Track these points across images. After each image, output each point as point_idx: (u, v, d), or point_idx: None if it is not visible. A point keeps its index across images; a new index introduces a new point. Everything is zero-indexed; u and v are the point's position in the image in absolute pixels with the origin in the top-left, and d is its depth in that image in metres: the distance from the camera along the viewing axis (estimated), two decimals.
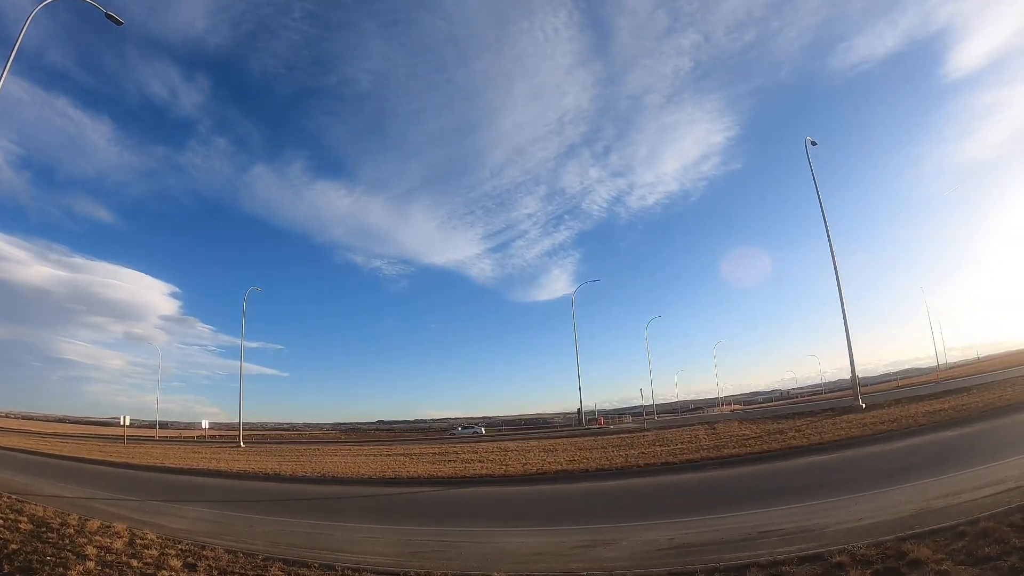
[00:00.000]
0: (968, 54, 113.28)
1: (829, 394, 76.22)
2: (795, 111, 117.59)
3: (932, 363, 78.21)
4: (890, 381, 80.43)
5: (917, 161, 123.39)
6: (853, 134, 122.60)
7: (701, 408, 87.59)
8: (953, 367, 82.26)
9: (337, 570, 6.31)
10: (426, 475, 17.36)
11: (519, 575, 5.96)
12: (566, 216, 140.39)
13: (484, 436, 54.27)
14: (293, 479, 18.78)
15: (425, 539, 8.52)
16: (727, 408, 77.25)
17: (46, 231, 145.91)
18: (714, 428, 27.17)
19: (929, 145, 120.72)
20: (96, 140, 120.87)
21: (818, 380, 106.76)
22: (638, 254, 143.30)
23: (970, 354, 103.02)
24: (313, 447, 41.27)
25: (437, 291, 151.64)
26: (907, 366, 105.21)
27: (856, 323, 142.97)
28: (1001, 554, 5.06)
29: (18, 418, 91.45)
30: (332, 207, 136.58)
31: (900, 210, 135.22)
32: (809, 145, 31.40)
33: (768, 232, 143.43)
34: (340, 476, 18.79)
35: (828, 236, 30.32)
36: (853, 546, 5.87)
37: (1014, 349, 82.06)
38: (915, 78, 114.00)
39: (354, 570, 6.30)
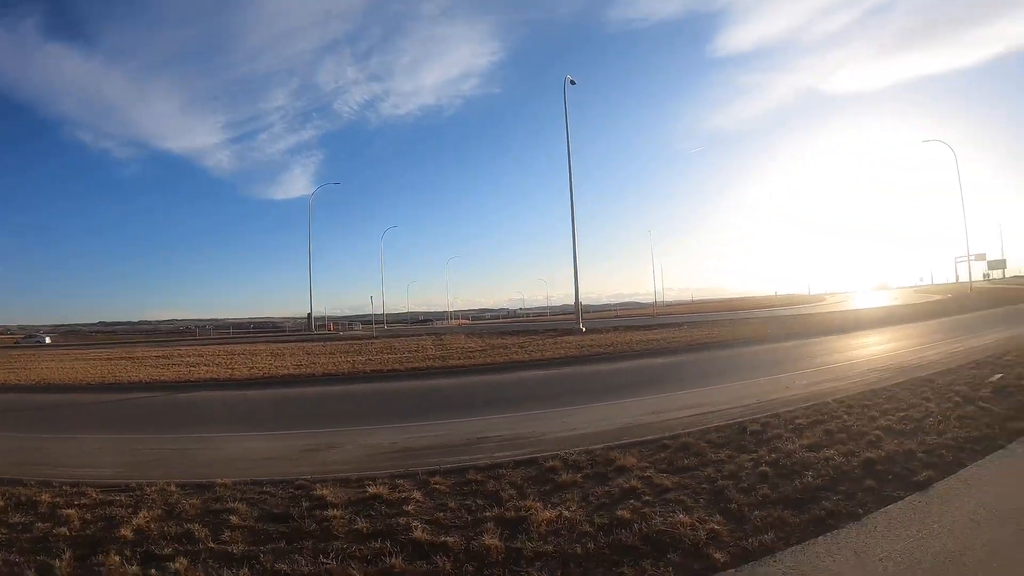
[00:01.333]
0: (738, 37, 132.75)
1: (554, 316, 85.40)
2: (565, 50, 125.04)
3: (651, 299, 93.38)
4: (611, 310, 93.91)
5: (670, 119, 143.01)
6: (616, 84, 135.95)
7: (431, 320, 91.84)
8: (670, 305, 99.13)
9: (55, 486, 5.73)
10: (149, 380, 16.41)
11: (245, 480, 5.84)
12: (315, 114, 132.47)
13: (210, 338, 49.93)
14: (2, 388, 16.36)
15: (148, 447, 8.21)
16: (456, 322, 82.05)
17: None
18: (441, 340, 28.32)
19: (684, 108, 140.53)
20: None
21: (545, 304, 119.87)
22: (384, 162, 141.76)
23: (686, 296, 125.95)
24: (27, 352, 36.88)
25: (170, 180, 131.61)
26: (628, 300, 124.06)
27: (586, 254, 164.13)
28: (699, 465, 5.57)
29: None
30: (65, 75, 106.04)
31: (646, 161, 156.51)
32: (568, 83, 33.42)
33: (516, 160, 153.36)
34: (57, 383, 16.79)
35: (569, 171, 33.40)
36: (565, 452, 6.23)
37: (724, 297, 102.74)
38: (686, 46, 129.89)
39: (72, 485, 5.77)
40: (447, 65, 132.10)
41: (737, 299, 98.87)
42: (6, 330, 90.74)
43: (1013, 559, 3.57)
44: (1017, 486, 4.83)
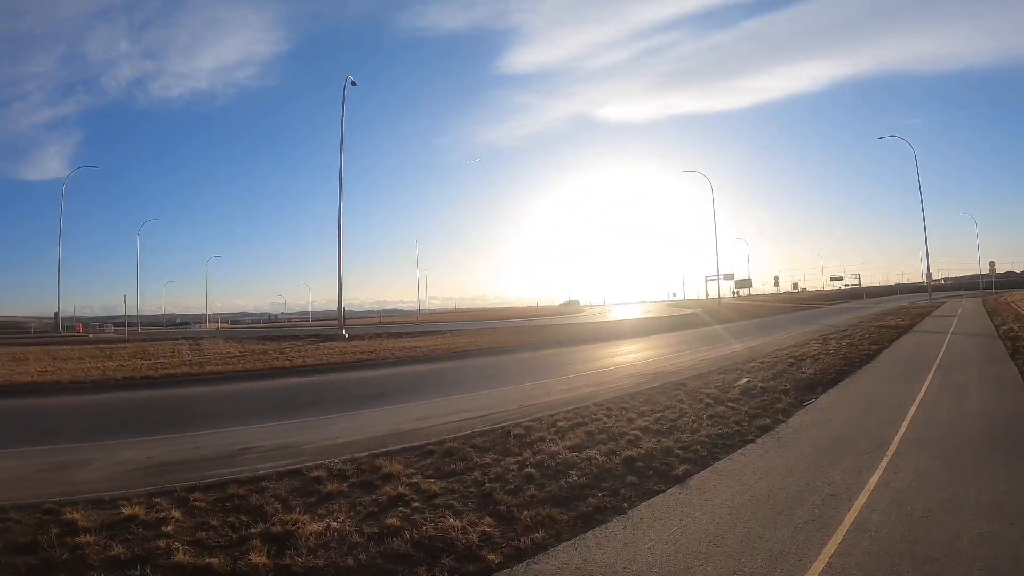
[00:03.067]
0: (520, 59, 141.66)
1: (316, 322, 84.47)
2: (350, 50, 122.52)
3: (415, 307, 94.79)
4: (374, 317, 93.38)
5: (447, 130, 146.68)
6: (398, 90, 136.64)
7: (188, 324, 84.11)
8: (434, 313, 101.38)
9: None
10: None
11: None
12: (79, 86, 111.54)
13: None
14: None
15: None
16: (214, 326, 77.75)
17: None
18: (199, 344, 26.75)
19: (462, 121, 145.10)
20: None
21: (307, 308, 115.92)
22: (148, 149, 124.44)
23: (449, 304, 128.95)
24: None
25: None
26: (392, 307, 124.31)
27: (351, 259, 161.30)
28: (465, 469, 5.78)
29: None
30: None
31: (416, 168, 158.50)
32: (349, 84, 33.69)
33: (286, 157, 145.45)
34: None
35: (340, 175, 34.50)
36: (330, 461, 6.27)
37: (487, 306, 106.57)
38: (470, 61, 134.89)
39: None
40: (226, 49, 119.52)
41: (501, 308, 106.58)
42: None
43: (768, 537, 3.98)
44: (766, 473, 5.39)
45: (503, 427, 7.46)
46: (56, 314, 51.93)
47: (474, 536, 4.04)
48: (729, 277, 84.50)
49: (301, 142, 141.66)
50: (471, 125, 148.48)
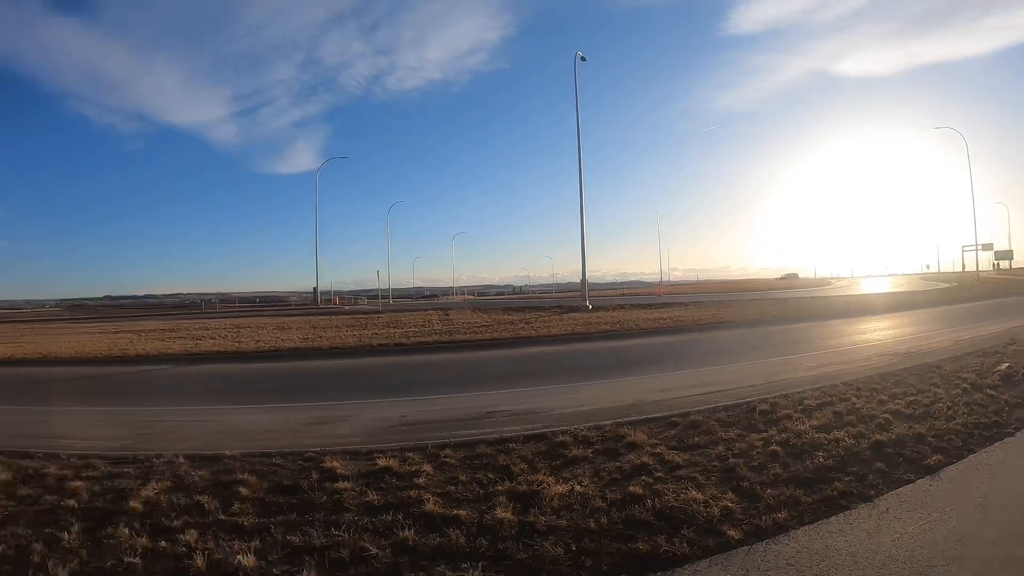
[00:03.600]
0: (748, 18, 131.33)
1: (559, 293, 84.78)
2: (575, 26, 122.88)
3: (656, 278, 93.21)
4: (616, 289, 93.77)
5: (679, 98, 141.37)
6: (626, 61, 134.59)
7: (436, 296, 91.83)
8: (675, 285, 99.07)
9: (62, 458, 5.67)
10: (155, 353, 16.29)
11: (251, 452, 5.81)
12: (320, 88, 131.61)
13: (216, 312, 50.76)
14: (8, 362, 16.21)
15: (154, 420, 8.07)
16: (461, 298, 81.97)
17: None
18: (447, 315, 28.34)
19: (693, 87, 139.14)
20: None
21: (550, 280, 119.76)
22: (390, 137, 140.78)
23: (691, 276, 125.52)
24: (34, 325, 36.46)
25: (175, 154, 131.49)
26: (633, 278, 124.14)
27: (592, 232, 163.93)
28: (709, 443, 5.58)
29: None
30: (66, 49, 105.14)
31: (654, 139, 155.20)
32: (579, 59, 32.92)
33: (524, 136, 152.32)
34: (62, 356, 16.64)
35: (579, 148, 32.97)
36: (575, 427, 6.23)
37: (730, 278, 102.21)
38: (696, 25, 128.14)
39: (80, 457, 5.69)
40: (454, 38, 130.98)
41: (743, 280, 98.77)
42: (10, 304, 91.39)
43: (1020, 545, 3.58)
44: None
45: (748, 402, 7.21)
46: (314, 288, 58.67)
47: (715, 510, 3.97)
48: (988, 248, 73.62)
49: (535, 119, 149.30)
50: (704, 91, 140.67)
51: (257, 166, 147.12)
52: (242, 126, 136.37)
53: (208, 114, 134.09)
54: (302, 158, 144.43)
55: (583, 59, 33.00)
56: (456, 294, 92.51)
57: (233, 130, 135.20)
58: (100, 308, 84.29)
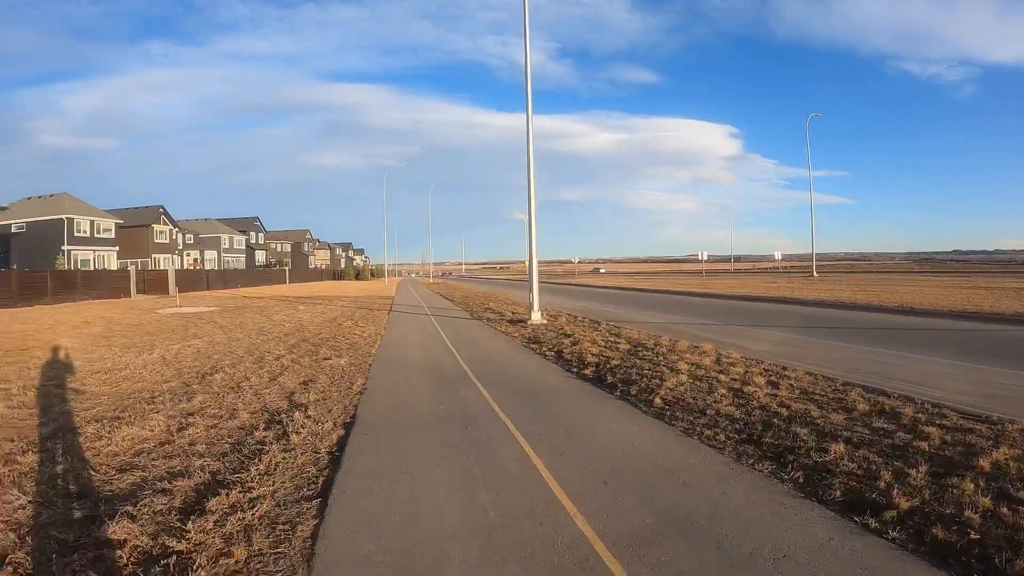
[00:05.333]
0: None
1: None
2: None
3: None
4: None
5: None
6: None
7: None
8: None
9: (917, 403, 6.03)
10: (1012, 312, 14.92)
11: None
12: None
13: None
14: (866, 307, 18.43)
15: (1007, 382, 7.32)
16: None
17: (598, 104, 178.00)
18: None
19: None
20: (613, 14, 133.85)
21: None
22: None
23: None
24: (885, 276, 40.15)
25: (1009, 96, 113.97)
26: None
27: None
28: None
29: (605, 262, 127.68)
30: (865, 12, 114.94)
31: None
32: None
33: None
34: (913, 306, 17.59)
35: None
36: None
37: None
38: None
39: (933, 405, 5.94)
40: None
41: None
42: (861, 257, 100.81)
43: None
44: None
45: None
46: None
47: None
48: None
49: None
50: None
51: None
52: None
53: None
54: None
55: None
56: None
57: None
58: (949, 263, 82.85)
